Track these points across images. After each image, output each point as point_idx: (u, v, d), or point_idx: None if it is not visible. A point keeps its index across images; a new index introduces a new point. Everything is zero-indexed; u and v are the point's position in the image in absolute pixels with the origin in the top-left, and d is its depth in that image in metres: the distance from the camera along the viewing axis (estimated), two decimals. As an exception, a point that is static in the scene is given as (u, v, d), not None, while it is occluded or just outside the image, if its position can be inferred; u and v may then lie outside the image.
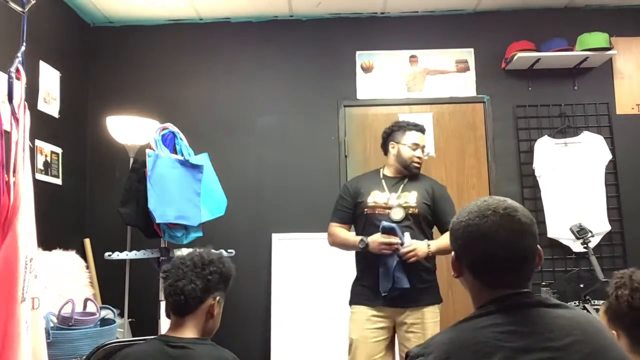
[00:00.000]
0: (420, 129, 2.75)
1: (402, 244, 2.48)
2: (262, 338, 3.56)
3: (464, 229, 1.19)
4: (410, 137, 2.71)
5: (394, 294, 2.49)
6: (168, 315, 1.63)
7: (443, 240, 2.58)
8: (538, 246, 1.19)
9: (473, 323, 1.12)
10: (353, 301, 2.66)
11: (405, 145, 2.70)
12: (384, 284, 2.50)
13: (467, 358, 1.06)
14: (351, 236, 2.67)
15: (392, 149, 2.74)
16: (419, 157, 2.70)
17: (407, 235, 2.53)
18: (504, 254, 1.15)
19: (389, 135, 2.78)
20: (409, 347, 2.45)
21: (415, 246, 2.49)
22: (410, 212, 2.61)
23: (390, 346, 2.60)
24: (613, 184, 3.70)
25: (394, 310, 2.55)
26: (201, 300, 1.56)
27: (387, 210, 2.61)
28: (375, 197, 2.65)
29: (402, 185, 2.68)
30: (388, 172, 2.75)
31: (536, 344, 1.06)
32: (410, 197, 2.64)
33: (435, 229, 2.74)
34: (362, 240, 2.55)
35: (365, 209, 2.64)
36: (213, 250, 1.68)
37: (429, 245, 2.53)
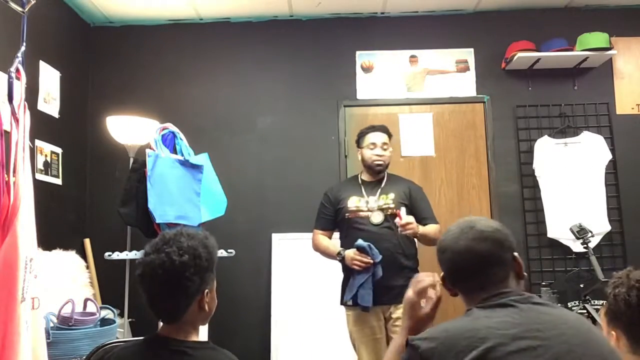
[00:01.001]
0: (379, 129, 2.87)
1: (374, 263, 2.60)
2: (262, 338, 3.56)
3: (438, 245, 1.36)
4: (368, 138, 2.85)
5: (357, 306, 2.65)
6: None
7: (428, 227, 2.75)
8: (515, 254, 1.29)
9: (467, 316, 1.21)
10: (346, 303, 2.77)
11: (365, 148, 2.85)
12: (348, 294, 2.68)
13: (462, 343, 1.12)
14: (332, 246, 2.81)
15: (359, 155, 2.90)
16: (378, 155, 2.81)
17: (402, 209, 2.64)
18: (462, 259, 1.28)
19: (357, 144, 2.94)
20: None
21: (413, 220, 2.61)
22: (388, 213, 2.74)
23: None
24: (613, 184, 3.69)
25: (381, 308, 2.69)
26: (188, 306, 1.42)
27: (368, 214, 2.75)
28: (355, 202, 2.79)
29: (379, 189, 2.81)
30: (365, 177, 2.89)
31: (527, 332, 1.13)
32: (388, 200, 2.77)
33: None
34: (339, 253, 2.72)
35: (347, 214, 2.78)
36: (183, 238, 1.44)
37: (418, 226, 2.66)
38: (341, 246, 2.77)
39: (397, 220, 2.58)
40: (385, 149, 2.83)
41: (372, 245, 2.62)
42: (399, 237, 2.68)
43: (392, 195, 2.77)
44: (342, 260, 2.70)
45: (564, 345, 1.12)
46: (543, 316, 1.17)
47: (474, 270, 1.27)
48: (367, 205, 2.77)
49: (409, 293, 1.39)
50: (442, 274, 1.36)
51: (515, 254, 1.30)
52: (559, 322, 1.17)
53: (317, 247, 2.88)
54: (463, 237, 1.29)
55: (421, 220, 2.76)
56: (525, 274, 1.32)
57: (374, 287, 2.62)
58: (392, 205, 2.74)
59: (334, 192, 2.89)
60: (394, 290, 2.62)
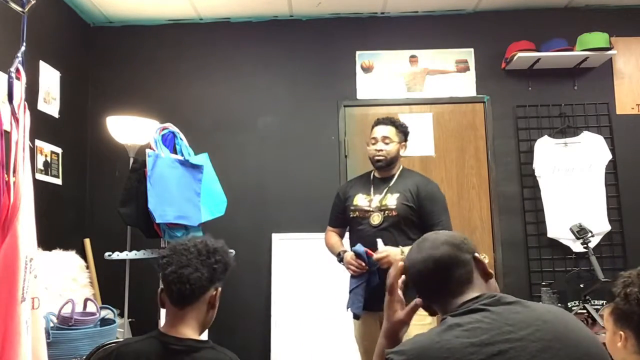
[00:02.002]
0: (382, 122, 2.71)
1: (368, 271, 2.49)
2: (262, 338, 3.56)
3: (404, 268, 1.39)
4: (372, 133, 2.71)
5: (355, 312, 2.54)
6: (163, 305, 1.53)
7: None
8: (475, 255, 1.31)
9: (439, 328, 1.20)
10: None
11: (368, 144, 2.71)
12: (347, 301, 2.59)
13: (432, 355, 1.12)
14: (337, 245, 2.72)
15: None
16: (377, 150, 2.65)
17: (379, 242, 2.48)
18: (424, 267, 1.31)
19: None
20: None
21: (388, 252, 2.42)
22: (387, 214, 2.56)
23: None
24: (613, 184, 3.69)
25: (379, 314, 2.42)
26: (205, 290, 1.48)
27: (370, 214, 2.60)
28: (359, 201, 2.66)
29: (388, 187, 2.64)
30: (377, 173, 2.73)
31: (497, 337, 1.12)
32: (391, 199, 2.59)
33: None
34: (339, 254, 2.62)
35: (350, 213, 2.67)
36: (213, 239, 1.59)
37: (402, 252, 2.41)
38: (350, 244, 2.67)
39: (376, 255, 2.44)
40: (387, 143, 2.64)
41: (365, 253, 2.49)
42: (398, 241, 2.52)
43: (396, 195, 2.58)
44: (341, 261, 2.61)
45: (538, 343, 1.11)
46: (515, 316, 1.16)
47: (438, 276, 1.29)
48: (371, 205, 2.62)
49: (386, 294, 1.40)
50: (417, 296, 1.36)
51: (476, 254, 1.32)
52: (533, 319, 1.16)
53: (326, 244, 2.80)
54: (421, 250, 1.34)
55: (428, 228, 2.46)
56: (491, 271, 1.33)
57: (371, 293, 2.47)
58: (393, 207, 2.56)
59: (344, 189, 2.80)
60: None
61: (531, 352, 1.10)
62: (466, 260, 1.29)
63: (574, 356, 1.12)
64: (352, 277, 2.57)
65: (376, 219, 2.57)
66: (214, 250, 1.51)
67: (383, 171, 2.69)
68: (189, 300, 1.46)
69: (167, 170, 3.02)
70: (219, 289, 1.53)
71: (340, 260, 2.62)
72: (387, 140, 2.65)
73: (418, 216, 2.57)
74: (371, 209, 2.61)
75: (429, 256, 1.30)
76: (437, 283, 1.29)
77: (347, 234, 2.80)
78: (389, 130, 2.67)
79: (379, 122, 2.72)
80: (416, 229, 2.54)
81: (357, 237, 2.62)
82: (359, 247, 2.51)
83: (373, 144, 2.67)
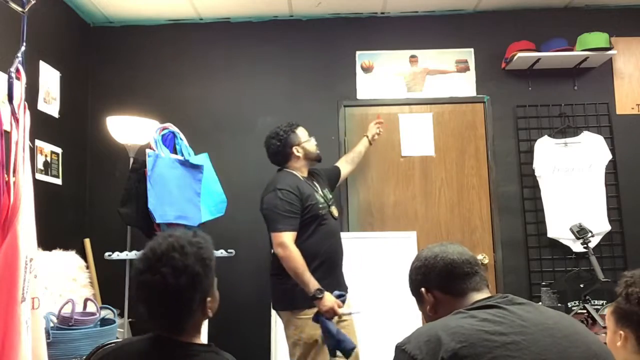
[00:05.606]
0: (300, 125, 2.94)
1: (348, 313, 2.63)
2: (262, 338, 3.55)
3: (421, 265, 1.40)
4: (302, 132, 2.86)
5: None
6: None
7: None
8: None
9: (452, 317, 1.24)
10: (309, 305, 2.51)
11: (307, 142, 2.85)
12: (347, 342, 2.49)
13: (446, 340, 1.14)
14: (308, 273, 2.49)
15: (298, 152, 2.82)
16: (316, 145, 2.90)
17: (358, 309, 2.70)
18: (458, 258, 1.37)
19: (285, 145, 2.79)
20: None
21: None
22: (336, 206, 2.89)
23: None
24: (613, 184, 3.69)
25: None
26: (191, 315, 1.38)
27: (330, 208, 2.80)
28: (319, 198, 2.75)
29: (319, 183, 2.87)
30: (303, 173, 2.83)
31: (510, 329, 1.16)
32: (330, 194, 2.90)
33: None
34: (319, 290, 2.45)
35: (319, 211, 2.70)
36: (176, 254, 1.36)
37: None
38: (309, 246, 2.58)
39: None
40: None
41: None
42: None
43: (327, 190, 2.90)
44: (318, 299, 2.44)
45: (549, 339, 1.15)
46: (527, 314, 1.21)
47: (469, 269, 1.36)
48: (327, 200, 2.81)
49: None
50: (424, 295, 1.37)
51: None
52: (543, 318, 1.21)
53: (293, 262, 2.50)
54: (450, 246, 1.41)
55: None
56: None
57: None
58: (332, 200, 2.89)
59: (296, 189, 2.64)
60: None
61: (542, 346, 1.13)
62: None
63: (584, 356, 1.16)
64: (329, 321, 2.47)
65: (335, 211, 2.81)
66: (180, 288, 1.32)
67: (307, 172, 2.87)
68: (179, 331, 1.39)
69: (167, 170, 3.02)
70: (209, 298, 1.40)
71: (320, 298, 2.44)
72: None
73: None
74: (329, 204, 2.80)
75: (462, 252, 1.39)
76: (467, 275, 1.35)
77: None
78: None
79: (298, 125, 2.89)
80: None
81: (326, 232, 2.70)
82: (338, 292, 2.57)
83: (309, 140, 2.87)
